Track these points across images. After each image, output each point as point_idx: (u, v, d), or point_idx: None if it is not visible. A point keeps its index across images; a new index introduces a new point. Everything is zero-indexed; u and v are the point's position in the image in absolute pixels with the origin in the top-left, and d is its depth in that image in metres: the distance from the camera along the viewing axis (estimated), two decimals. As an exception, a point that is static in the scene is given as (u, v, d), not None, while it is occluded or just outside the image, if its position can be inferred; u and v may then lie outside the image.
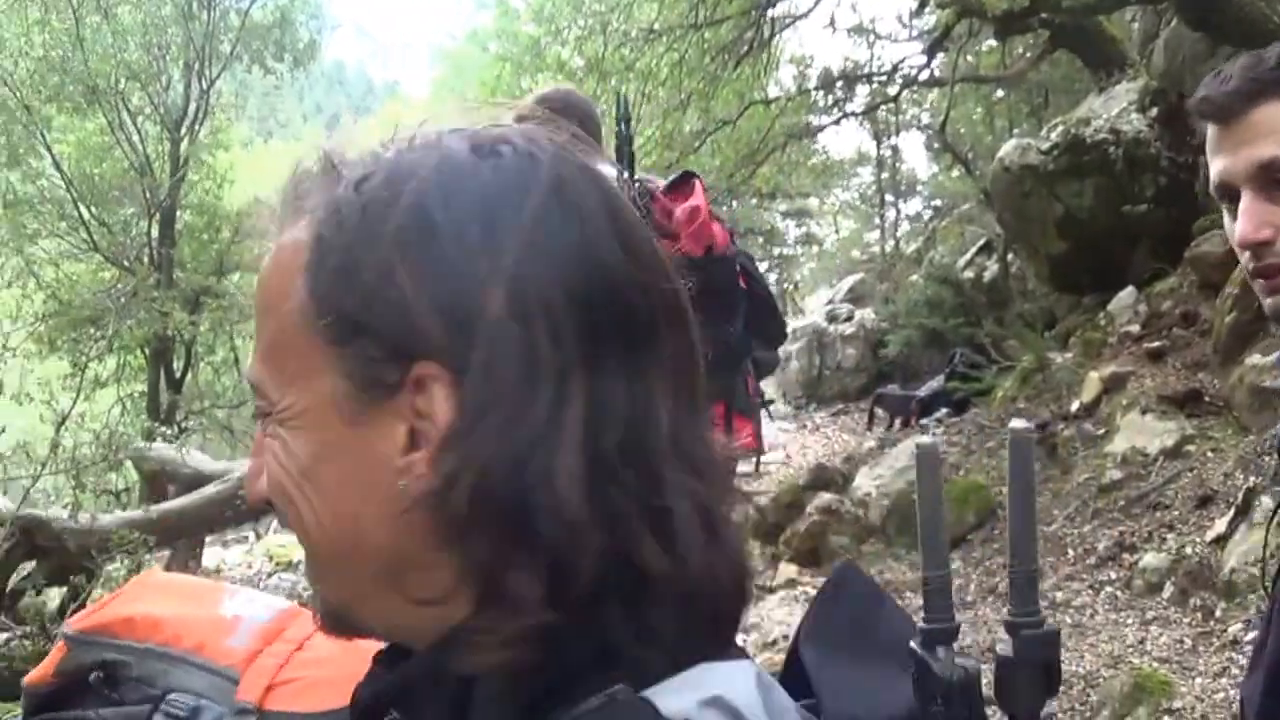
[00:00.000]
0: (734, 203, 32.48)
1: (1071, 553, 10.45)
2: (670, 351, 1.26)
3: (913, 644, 1.37)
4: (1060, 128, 17.83)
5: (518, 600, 1.18)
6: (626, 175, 5.71)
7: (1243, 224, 2.44)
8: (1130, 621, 9.12)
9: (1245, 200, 2.46)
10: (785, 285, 42.32)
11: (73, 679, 3.10)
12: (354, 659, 2.39)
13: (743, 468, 14.74)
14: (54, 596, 12.67)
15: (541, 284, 1.19)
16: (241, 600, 3.34)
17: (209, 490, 14.03)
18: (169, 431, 18.51)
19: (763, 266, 43.66)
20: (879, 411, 21.18)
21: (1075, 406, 13.06)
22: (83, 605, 10.53)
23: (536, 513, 1.16)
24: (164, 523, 12.05)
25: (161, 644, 3.19)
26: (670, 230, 5.70)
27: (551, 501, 1.16)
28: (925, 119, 33.61)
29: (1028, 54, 24.82)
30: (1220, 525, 9.51)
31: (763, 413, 7.16)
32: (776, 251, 42.73)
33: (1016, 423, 1.50)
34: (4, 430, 13.23)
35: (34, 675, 3.30)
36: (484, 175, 1.26)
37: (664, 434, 1.23)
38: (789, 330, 26.51)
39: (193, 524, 12.30)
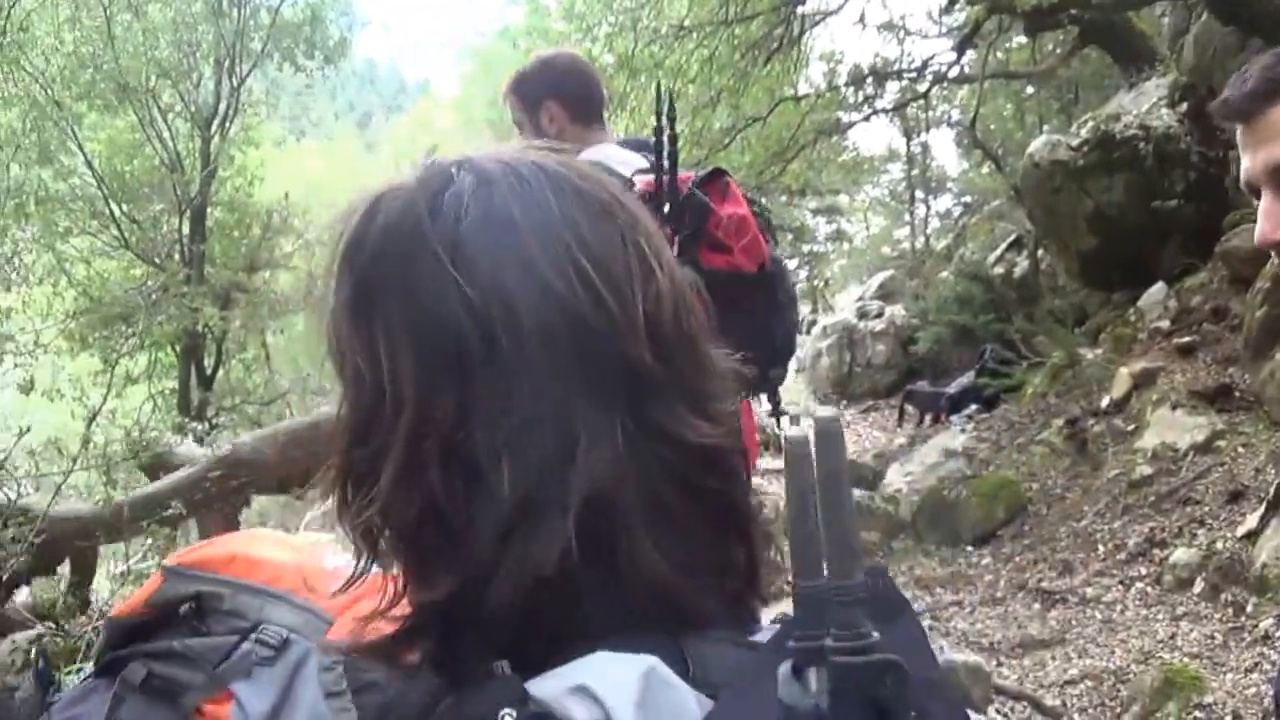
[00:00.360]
0: (764, 200, 32.41)
1: (1102, 548, 10.43)
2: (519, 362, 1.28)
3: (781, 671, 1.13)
4: (1090, 124, 17.78)
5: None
6: (668, 178, 5.57)
7: (1261, 224, 2.44)
8: (1161, 617, 9.09)
9: (1265, 200, 2.46)
10: (815, 282, 42.24)
11: (163, 611, 3.20)
12: None
13: (775, 464, 14.71)
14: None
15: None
16: (346, 557, 3.37)
17: (172, 477, 13.78)
18: (200, 427, 18.52)
19: (793, 264, 43.63)
20: (909, 408, 21.16)
21: (1105, 402, 13.03)
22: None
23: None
24: (116, 512, 11.94)
25: (261, 581, 3.20)
26: (722, 244, 5.57)
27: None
28: (955, 115, 33.53)
29: (1057, 50, 24.75)
30: (1251, 520, 9.48)
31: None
32: (806, 249, 42.61)
33: (822, 411, 1.41)
34: (28, 430, 13.26)
35: (123, 607, 3.36)
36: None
37: (494, 436, 1.27)
38: (822, 327, 26.46)
39: (152, 510, 12.18)
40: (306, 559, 3.24)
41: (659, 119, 5.62)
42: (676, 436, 1.30)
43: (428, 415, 1.30)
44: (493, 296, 1.27)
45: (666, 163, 5.45)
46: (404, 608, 1.59)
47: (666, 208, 5.39)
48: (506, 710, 1.19)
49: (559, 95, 5.71)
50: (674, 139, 5.49)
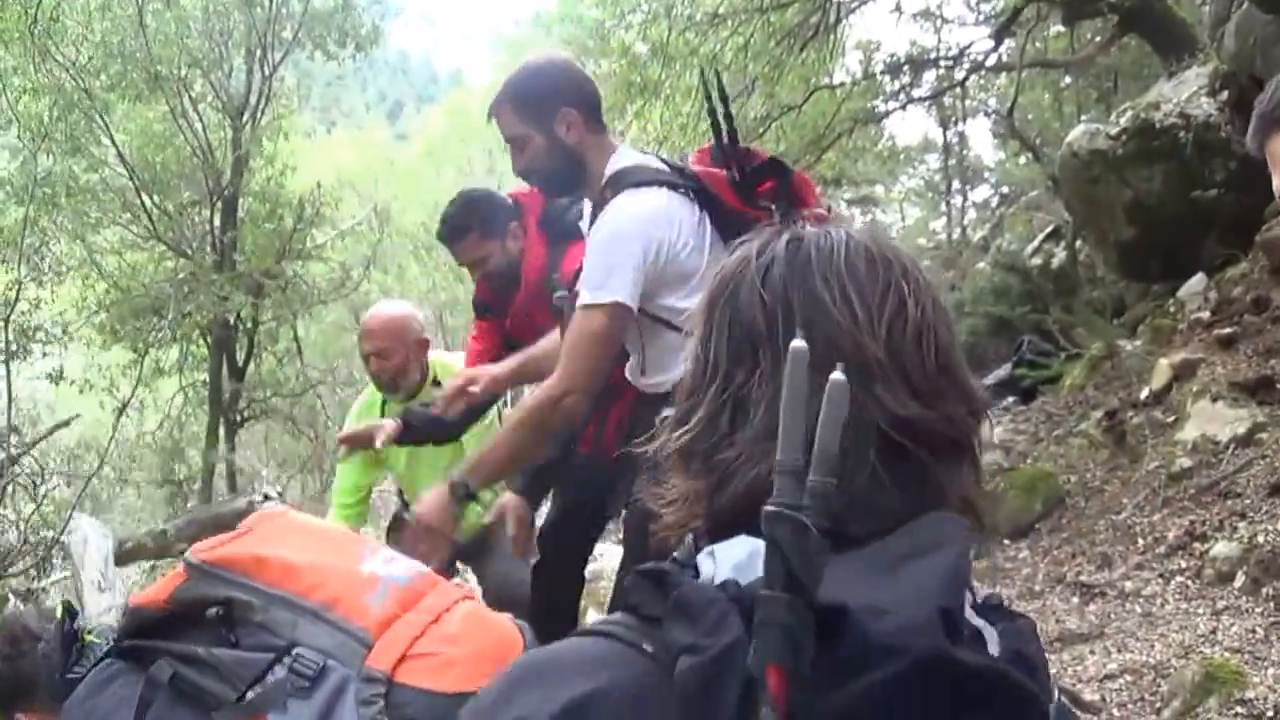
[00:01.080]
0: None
1: (1141, 541, 10.39)
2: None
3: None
4: (1129, 113, 17.71)
5: None
6: (730, 147, 5.52)
7: None
8: (1201, 611, 9.04)
9: None
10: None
11: (187, 609, 3.31)
12: (487, 636, 2.59)
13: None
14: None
15: None
16: (381, 559, 3.44)
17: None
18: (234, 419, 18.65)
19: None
20: (945, 400, 21.11)
21: (1145, 394, 12.98)
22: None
23: None
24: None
25: (295, 593, 3.23)
26: (814, 205, 5.57)
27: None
28: (992, 104, 33.48)
29: (1096, 39, 24.72)
30: (1293, 514, 9.44)
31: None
32: (842, 239, 42.69)
33: (796, 342, 1.70)
34: (74, 418, 13.35)
35: (145, 597, 3.49)
36: None
37: (763, 391, 1.86)
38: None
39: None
40: (344, 561, 3.28)
41: (710, 100, 5.57)
42: (890, 409, 1.79)
43: (731, 376, 1.86)
44: (779, 301, 1.86)
45: (727, 138, 5.43)
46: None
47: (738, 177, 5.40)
48: None
49: (577, 103, 5.49)
50: (729, 117, 5.47)
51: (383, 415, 7.31)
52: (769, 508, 1.53)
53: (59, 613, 4.10)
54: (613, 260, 5.26)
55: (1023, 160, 31.36)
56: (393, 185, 37.38)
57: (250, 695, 3.11)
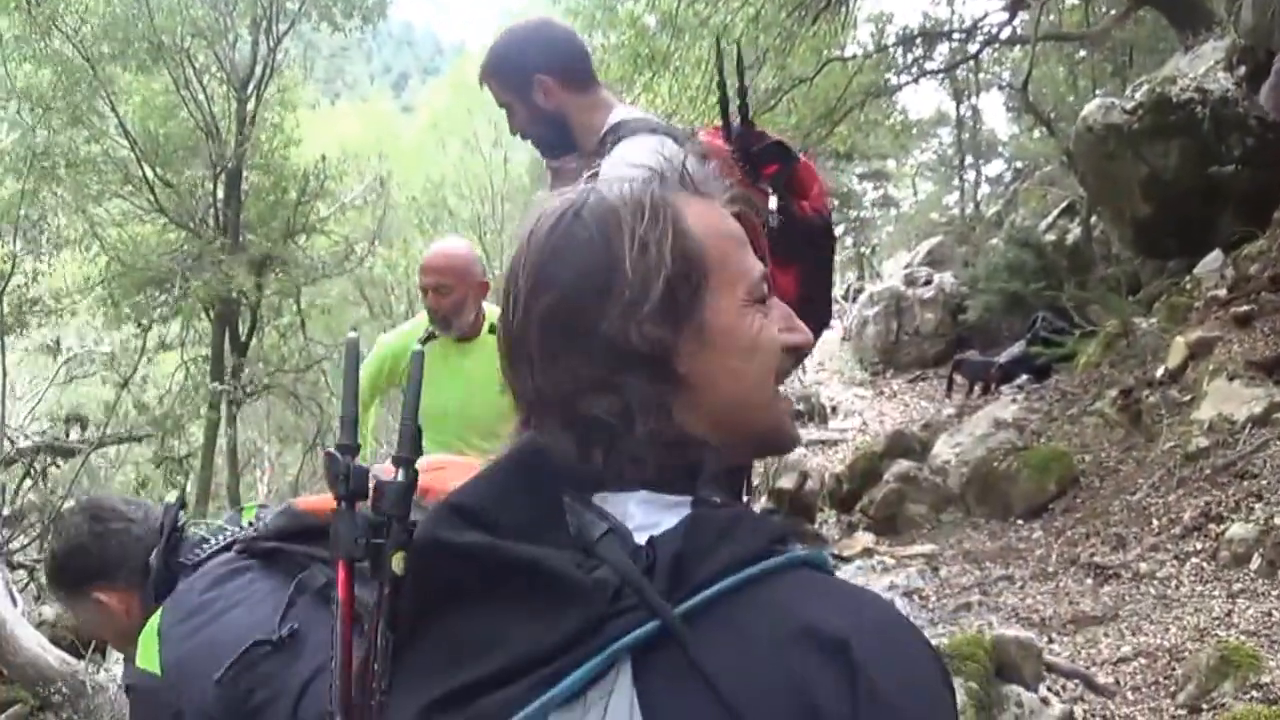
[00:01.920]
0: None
1: (1156, 522, 10.38)
2: None
3: None
4: (1145, 87, 17.68)
5: None
6: (740, 125, 5.56)
7: None
8: (1217, 593, 9.05)
9: None
10: (862, 249, 42.23)
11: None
12: None
13: (820, 434, 14.68)
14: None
15: None
16: None
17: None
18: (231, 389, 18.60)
19: (839, 229, 43.64)
20: (958, 378, 21.13)
21: (1160, 372, 12.97)
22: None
23: None
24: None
25: None
26: (806, 189, 5.64)
27: None
28: (1006, 78, 33.43)
29: (1111, 12, 24.65)
30: (1311, 496, 9.44)
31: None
32: (853, 214, 42.62)
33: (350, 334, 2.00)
34: (146, 435, 13.41)
35: (313, 504, 3.54)
36: None
37: None
38: (869, 295, 26.42)
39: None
40: None
41: (721, 74, 5.56)
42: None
43: None
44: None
45: (737, 116, 5.43)
46: None
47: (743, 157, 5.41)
48: None
49: (547, 67, 5.45)
50: (743, 91, 5.46)
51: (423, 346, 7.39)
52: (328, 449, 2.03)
53: (165, 499, 4.14)
54: None
55: (1037, 135, 31.29)
56: (398, 158, 37.33)
57: None
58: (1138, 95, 17.47)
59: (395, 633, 1.93)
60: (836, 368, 20.98)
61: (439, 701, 1.76)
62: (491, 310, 7.51)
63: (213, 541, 3.74)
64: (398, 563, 1.94)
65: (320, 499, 3.67)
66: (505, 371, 1.96)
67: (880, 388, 20.20)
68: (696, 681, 1.65)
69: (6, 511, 11.56)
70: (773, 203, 5.31)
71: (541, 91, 5.43)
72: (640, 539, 1.78)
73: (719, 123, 5.74)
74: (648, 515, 1.84)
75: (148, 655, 3.42)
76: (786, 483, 12.67)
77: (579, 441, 1.87)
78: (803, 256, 5.37)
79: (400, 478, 2.02)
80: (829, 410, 17.74)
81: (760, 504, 11.55)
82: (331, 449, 2.03)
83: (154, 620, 3.49)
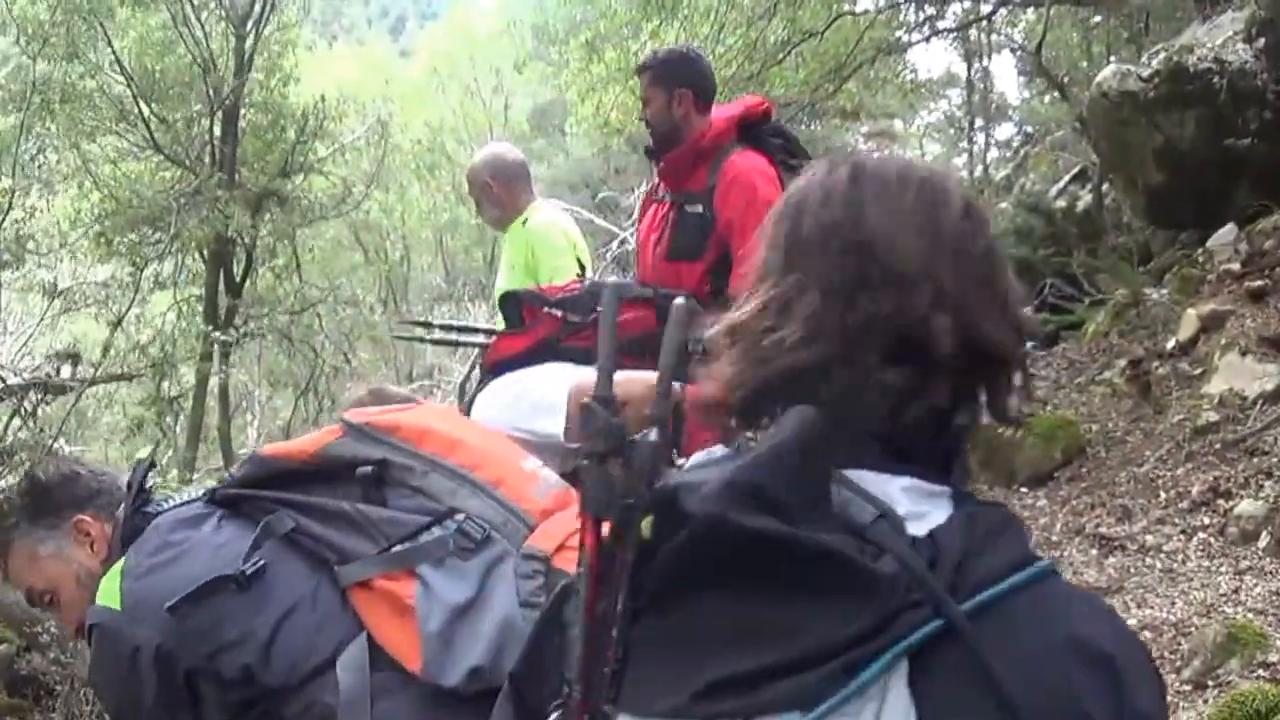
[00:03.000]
0: (815, 123, 32.35)
1: (1163, 495, 10.41)
2: None
3: None
4: (1162, 55, 17.62)
5: None
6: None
7: None
8: (1224, 570, 9.08)
9: None
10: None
11: (332, 466, 3.63)
12: None
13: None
14: None
15: None
16: (535, 462, 3.78)
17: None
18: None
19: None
20: (962, 343, 21.08)
21: (1171, 344, 12.98)
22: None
23: None
24: None
25: (459, 465, 3.60)
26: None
27: None
28: (1019, 40, 33.37)
29: (1129, -24, 24.61)
30: (1322, 475, 9.46)
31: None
32: (857, 174, 42.60)
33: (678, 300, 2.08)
34: (139, 375, 13.43)
35: (282, 449, 3.83)
36: None
37: None
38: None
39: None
40: (507, 454, 3.55)
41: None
42: (929, 322, 1.94)
43: (781, 280, 2.04)
44: (832, 221, 2.05)
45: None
46: None
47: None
48: None
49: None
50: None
51: None
52: (584, 400, 1.97)
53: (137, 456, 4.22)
54: None
55: (1048, 99, 31.26)
56: (395, 102, 37.38)
57: (397, 549, 3.42)
58: (1154, 63, 17.42)
59: (634, 602, 1.92)
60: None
61: (718, 684, 1.77)
62: (535, 206, 8.44)
63: (178, 499, 3.87)
64: (646, 528, 1.90)
65: (288, 444, 3.95)
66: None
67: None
68: (977, 683, 1.71)
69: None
70: None
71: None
72: (911, 528, 1.84)
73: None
74: (913, 503, 1.88)
75: (109, 592, 3.58)
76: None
77: (867, 411, 1.92)
78: None
79: (654, 436, 1.95)
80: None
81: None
82: (589, 400, 1.98)
83: (118, 563, 3.66)
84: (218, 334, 20.71)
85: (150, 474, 3.99)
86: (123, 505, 3.86)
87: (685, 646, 1.84)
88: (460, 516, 3.44)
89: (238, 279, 25.06)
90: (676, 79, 7.08)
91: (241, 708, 3.48)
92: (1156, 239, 19.03)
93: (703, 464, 2.04)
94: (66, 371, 13.97)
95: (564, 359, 5.43)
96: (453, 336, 7.21)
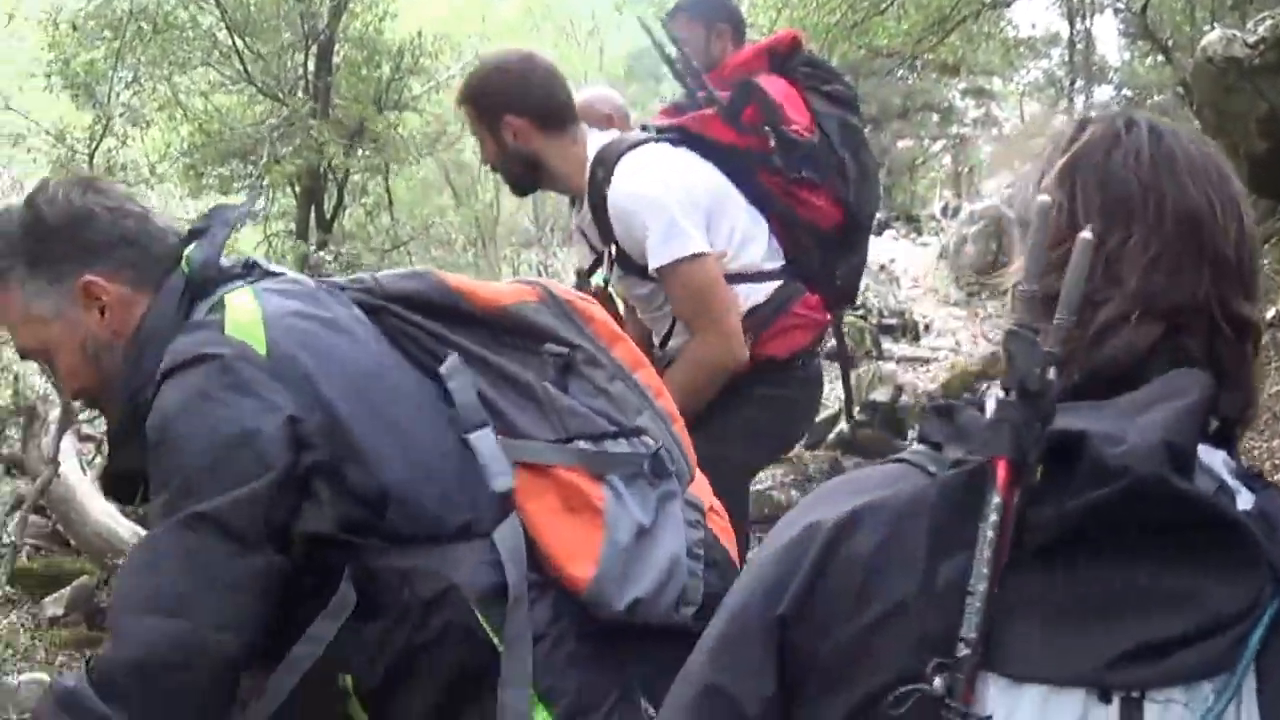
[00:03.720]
0: (912, 77, 32.24)
1: (1264, 467, 10.31)
2: None
3: None
4: (1268, 21, 17.40)
5: None
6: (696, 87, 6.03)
7: None
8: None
9: None
10: (960, 167, 42.09)
11: (519, 329, 3.37)
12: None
13: (911, 351, 14.70)
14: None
15: None
16: None
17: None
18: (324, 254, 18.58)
19: (938, 146, 43.46)
20: (1057, 305, 20.99)
21: (1271, 314, 12.85)
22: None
23: None
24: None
25: (647, 385, 3.49)
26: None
27: None
28: (1123, 3, 33.11)
29: (1238, -60, 24.35)
30: None
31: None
32: (953, 130, 42.40)
33: (1084, 234, 1.93)
34: None
35: (464, 284, 3.43)
36: None
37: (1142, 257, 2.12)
38: (970, 212, 26.23)
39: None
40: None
41: (661, 49, 5.96)
42: (1229, 304, 2.02)
43: (1102, 237, 1.97)
44: (1151, 181, 2.05)
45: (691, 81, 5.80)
46: None
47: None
48: None
49: (521, 109, 5.86)
50: (685, 57, 5.87)
51: None
52: (1009, 327, 1.89)
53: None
54: (660, 221, 5.57)
55: (1149, 63, 30.99)
56: (490, 41, 37.39)
57: (583, 445, 3.16)
58: (1260, 29, 17.22)
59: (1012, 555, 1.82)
60: (931, 285, 20.91)
61: (1133, 652, 1.74)
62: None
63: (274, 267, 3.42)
64: (1039, 472, 1.83)
65: (474, 283, 3.50)
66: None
67: (976, 309, 20.12)
68: None
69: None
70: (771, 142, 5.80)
71: (511, 132, 5.82)
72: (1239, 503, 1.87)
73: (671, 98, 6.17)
74: (1231, 478, 1.91)
75: (245, 327, 3.06)
76: (881, 395, 12.67)
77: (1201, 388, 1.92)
78: (823, 175, 5.64)
79: (1052, 375, 1.84)
80: (921, 328, 17.70)
81: (856, 415, 11.55)
82: (1014, 327, 1.87)
83: (242, 297, 3.15)
84: (316, 251, 20.78)
85: (231, 221, 3.39)
86: (197, 245, 3.27)
87: (1082, 608, 1.79)
88: (647, 439, 3.25)
89: (328, 215, 25.04)
90: (715, 14, 7.03)
91: (350, 529, 3.04)
92: (1258, 207, 18.87)
93: (1068, 410, 1.90)
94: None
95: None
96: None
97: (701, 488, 3.43)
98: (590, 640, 3.14)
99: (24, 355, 3.59)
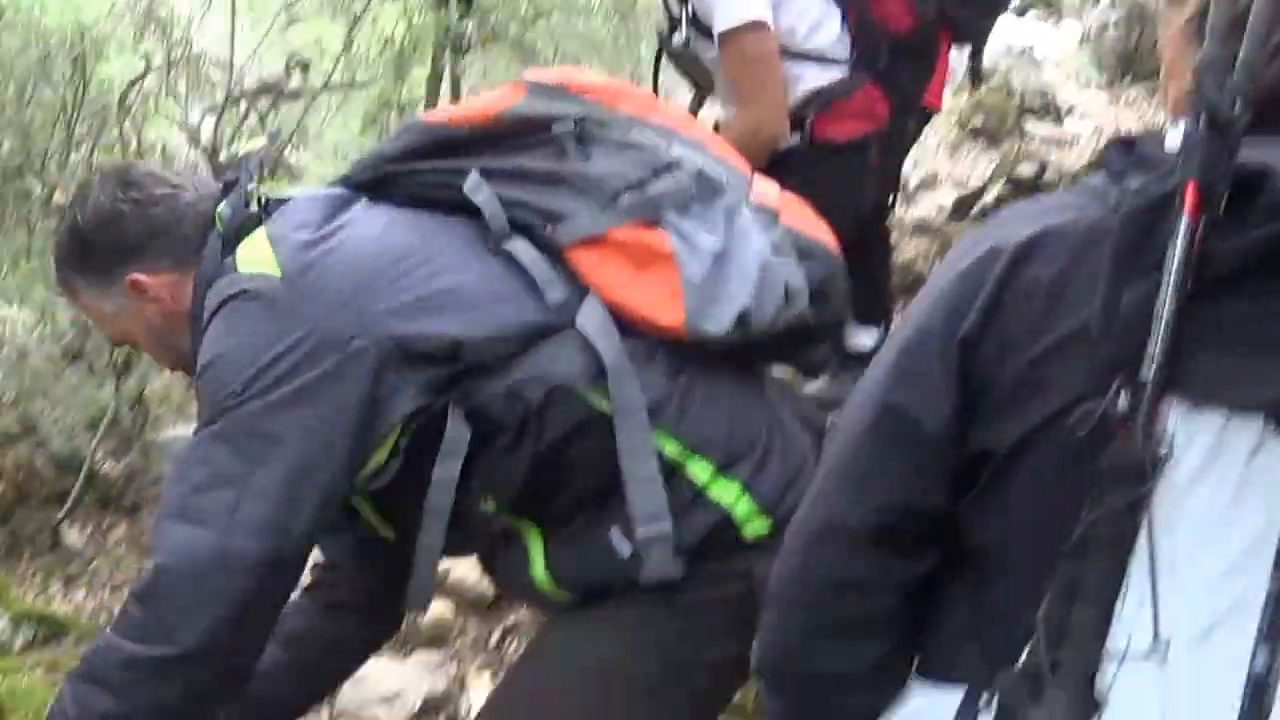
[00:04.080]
0: None
1: None
2: None
3: None
4: None
5: None
6: None
7: None
8: None
9: None
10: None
11: (518, 128, 3.25)
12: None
13: (1053, 132, 14.71)
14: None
15: None
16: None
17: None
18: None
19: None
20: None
21: None
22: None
23: None
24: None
25: (664, 124, 3.36)
26: None
27: None
28: None
29: None
30: None
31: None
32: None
33: None
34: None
35: (445, 115, 3.38)
36: None
37: None
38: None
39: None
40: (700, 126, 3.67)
41: None
42: None
43: None
44: None
45: None
46: None
47: None
48: None
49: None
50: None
51: None
52: (1201, 57, 1.86)
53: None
54: None
55: None
56: None
57: (627, 199, 3.14)
58: None
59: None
60: (1073, 69, 20.66)
61: None
62: None
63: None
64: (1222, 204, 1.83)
65: (456, 107, 3.56)
66: None
67: (1117, 94, 19.92)
68: None
69: (224, 156, 11.72)
70: None
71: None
72: None
73: None
74: None
75: (257, 260, 3.11)
76: (1026, 170, 12.62)
77: None
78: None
79: (1239, 107, 1.83)
80: (1064, 110, 17.56)
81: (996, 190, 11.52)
82: (1207, 57, 1.88)
83: (256, 233, 3.19)
84: (460, 20, 20.52)
85: (253, 170, 3.38)
86: (225, 202, 3.29)
87: (1262, 340, 1.84)
88: (684, 167, 3.19)
89: (474, -13, 24.58)
90: None
91: (440, 389, 3.05)
92: None
93: (1247, 143, 1.87)
94: (298, 79, 14.03)
95: None
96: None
97: (767, 191, 3.40)
98: (720, 379, 3.21)
99: (117, 344, 3.95)
